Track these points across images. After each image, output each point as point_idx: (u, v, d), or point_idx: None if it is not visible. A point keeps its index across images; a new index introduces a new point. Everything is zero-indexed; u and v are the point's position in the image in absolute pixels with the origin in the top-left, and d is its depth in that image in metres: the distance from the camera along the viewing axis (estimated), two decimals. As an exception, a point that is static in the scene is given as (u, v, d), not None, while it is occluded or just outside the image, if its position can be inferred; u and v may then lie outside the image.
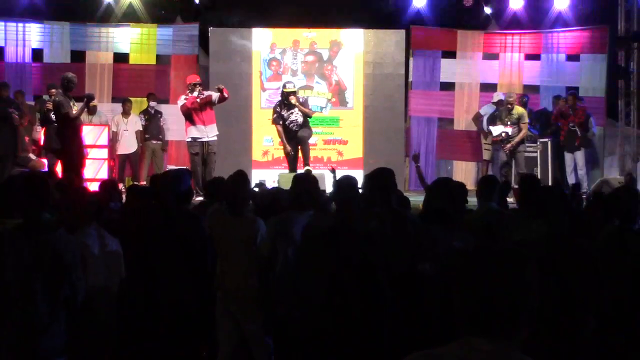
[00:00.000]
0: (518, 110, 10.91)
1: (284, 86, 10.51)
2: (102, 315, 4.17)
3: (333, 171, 7.79)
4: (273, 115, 10.41)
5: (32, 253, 3.44)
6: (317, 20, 13.12)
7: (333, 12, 13.29)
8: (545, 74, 13.31)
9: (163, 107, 12.62)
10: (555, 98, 12.49)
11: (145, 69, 13.21)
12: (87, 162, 9.74)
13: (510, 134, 10.72)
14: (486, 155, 12.22)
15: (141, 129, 12.16)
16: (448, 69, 13.49)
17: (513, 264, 1.72)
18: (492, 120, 11.45)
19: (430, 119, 13.58)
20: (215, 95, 10.40)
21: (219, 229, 4.73)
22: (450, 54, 13.52)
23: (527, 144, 11.32)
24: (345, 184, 4.44)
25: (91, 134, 11.08)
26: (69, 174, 7.97)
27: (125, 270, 4.36)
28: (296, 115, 10.24)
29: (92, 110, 11.34)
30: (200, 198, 8.46)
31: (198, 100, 10.24)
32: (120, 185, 10.43)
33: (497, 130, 10.86)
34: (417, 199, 7.86)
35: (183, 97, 10.49)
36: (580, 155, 11.74)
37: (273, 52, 13.12)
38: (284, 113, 10.26)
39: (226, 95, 10.43)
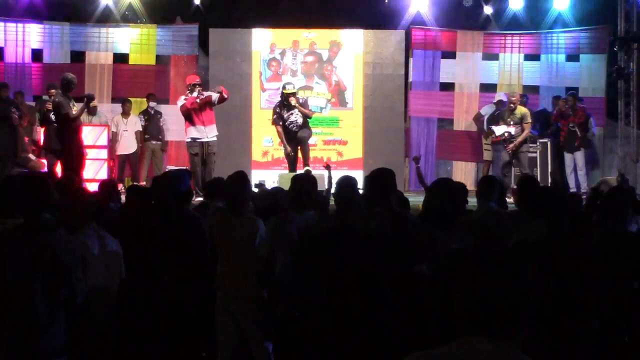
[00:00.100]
0: (521, 110, 10.90)
1: (284, 87, 10.51)
2: (101, 315, 4.17)
3: (328, 167, 7.77)
4: (273, 116, 10.42)
5: (32, 253, 3.44)
6: (316, 21, 13.12)
7: (333, 13, 13.30)
8: (545, 74, 13.32)
9: (163, 108, 12.63)
10: (555, 98, 12.49)
11: (144, 70, 13.21)
12: (87, 162, 9.73)
13: (513, 133, 10.72)
14: (487, 156, 12.22)
15: (141, 129, 12.15)
16: (448, 70, 13.50)
17: (513, 264, 1.72)
18: (493, 120, 11.46)
19: (430, 119, 13.59)
20: (215, 96, 10.39)
21: (219, 229, 4.73)
22: (450, 55, 13.53)
23: (528, 144, 11.32)
24: (345, 185, 4.44)
25: (91, 135, 11.08)
26: (69, 174, 7.97)
27: (125, 271, 4.36)
28: (296, 116, 10.24)
29: (92, 111, 11.34)
30: (200, 198, 8.46)
31: (198, 100, 10.23)
32: (120, 186, 10.44)
33: (500, 130, 10.85)
34: (417, 199, 7.86)
35: (183, 97, 10.49)
36: (580, 156, 11.75)
37: (273, 52, 13.12)
38: (284, 114, 10.26)
39: (226, 96, 10.43)
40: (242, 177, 4.82)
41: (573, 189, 11.27)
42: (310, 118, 10.48)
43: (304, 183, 4.70)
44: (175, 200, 4.65)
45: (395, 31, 13.25)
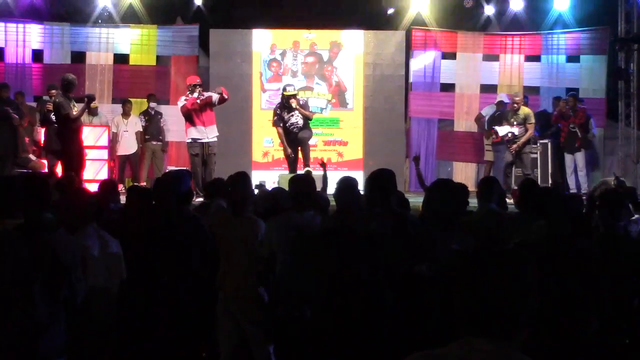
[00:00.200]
0: (524, 110, 10.90)
1: (284, 89, 10.51)
2: (101, 315, 4.16)
3: (323, 165, 7.76)
4: (273, 117, 10.42)
5: (32, 253, 3.44)
6: (317, 21, 13.12)
7: (333, 13, 13.30)
8: (545, 75, 13.32)
9: (163, 108, 12.63)
10: (555, 99, 12.49)
11: (145, 70, 13.21)
12: (87, 163, 9.73)
13: (516, 134, 10.72)
14: (489, 157, 12.23)
15: (141, 129, 12.15)
16: (448, 70, 13.50)
17: (513, 265, 1.72)
18: (494, 121, 11.47)
19: (430, 120, 13.59)
20: (215, 97, 10.39)
21: (220, 229, 4.73)
22: (451, 55, 13.53)
23: (531, 145, 11.31)
24: (345, 185, 4.44)
25: (91, 135, 11.08)
26: (69, 174, 7.97)
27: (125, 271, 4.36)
28: (296, 118, 10.24)
29: (93, 112, 11.34)
30: (201, 199, 8.46)
31: (198, 101, 10.23)
32: (120, 186, 10.44)
33: (503, 130, 10.86)
34: (417, 200, 7.85)
35: (183, 98, 10.49)
36: (580, 157, 11.74)
37: (273, 53, 13.13)
38: (285, 115, 10.27)
39: (226, 97, 10.43)
40: (243, 178, 4.82)
41: (573, 190, 11.27)
42: (310, 120, 10.49)
43: (303, 183, 4.70)
44: (175, 200, 4.65)
45: (396, 32, 13.26)
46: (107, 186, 6.34)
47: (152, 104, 12.33)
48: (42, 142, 10.93)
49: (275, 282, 4.49)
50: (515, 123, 10.78)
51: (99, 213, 4.46)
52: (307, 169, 10.06)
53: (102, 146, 11.31)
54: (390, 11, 13.55)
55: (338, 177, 4.60)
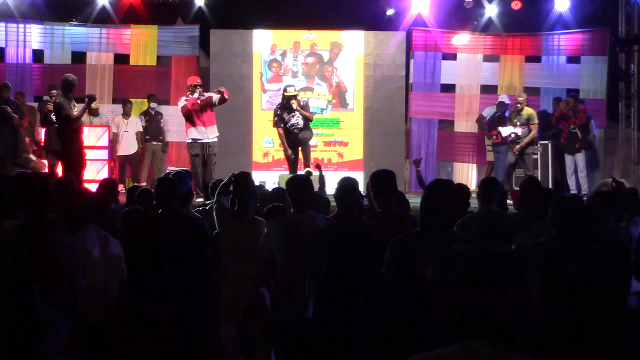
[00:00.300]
0: (528, 111, 10.91)
1: (285, 90, 10.50)
2: (102, 316, 4.16)
3: (318, 166, 7.76)
4: (274, 118, 10.41)
5: (32, 253, 3.44)
6: (317, 22, 13.12)
7: (333, 14, 13.29)
8: (545, 76, 13.32)
9: (163, 108, 12.63)
10: (555, 100, 12.49)
11: (145, 70, 13.21)
12: (88, 163, 9.72)
13: (519, 134, 10.72)
14: (490, 157, 12.22)
15: (141, 130, 12.16)
16: (449, 71, 13.50)
17: (513, 267, 1.72)
18: (495, 121, 11.46)
19: (430, 120, 13.58)
20: (215, 97, 10.38)
21: (222, 229, 4.73)
22: (451, 56, 13.53)
23: (533, 146, 11.29)
24: (346, 186, 4.44)
25: (92, 135, 11.08)
26: (69, 175, 7.96)
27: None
28: (297, 119, 10.24)
29: (94, 112, 11.34)
30: (201, 199, 8.47)
31: (198, 101, 10.22)
32: (121, 187, 10.43)
33: (506, 131, 10.85)
34: (417, 200, 7.84)
35: (183, 98, 10.48)
36: (580, 158, 11.73)
37: (273, 53, 13.12)
38: (285, 116, 10.26)
39: (226, 97, 10.42)
40: (245, 178, 4.82)
41: (574, 191, 11.26)
42: (311, 121, 10.48)
43: (301, 184, 4.68)
44: (175, 201, 4.65)
45: (396, 32, 13.25)
46: (107, 184, 6.33)
47: (153, 104, 12.33)
48: (42, 142, 10.93)
49: (276, 283, 4.49)
50: (518, 123, 10.78)
51: (100, 214, 4.45)
52: (307, 169, 10.06)
53: (102, 146, 11.32)
54: (391, 12, 13.55)
55: (338, 178, 4.60)
